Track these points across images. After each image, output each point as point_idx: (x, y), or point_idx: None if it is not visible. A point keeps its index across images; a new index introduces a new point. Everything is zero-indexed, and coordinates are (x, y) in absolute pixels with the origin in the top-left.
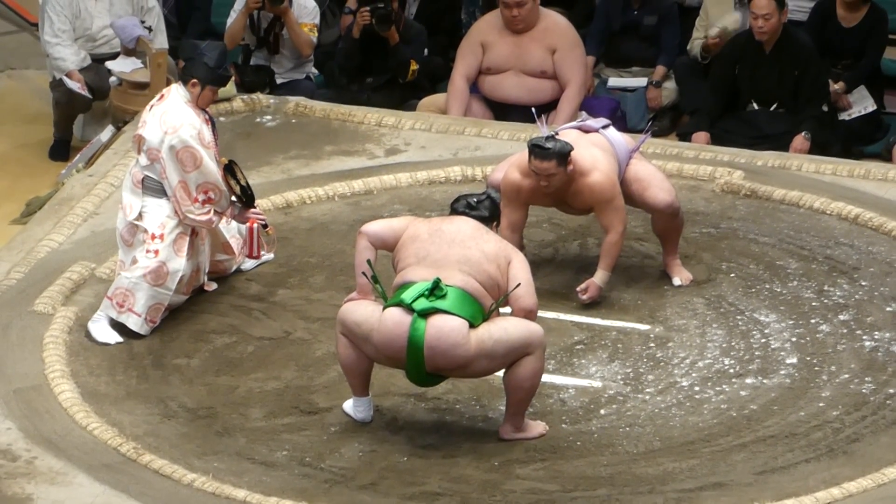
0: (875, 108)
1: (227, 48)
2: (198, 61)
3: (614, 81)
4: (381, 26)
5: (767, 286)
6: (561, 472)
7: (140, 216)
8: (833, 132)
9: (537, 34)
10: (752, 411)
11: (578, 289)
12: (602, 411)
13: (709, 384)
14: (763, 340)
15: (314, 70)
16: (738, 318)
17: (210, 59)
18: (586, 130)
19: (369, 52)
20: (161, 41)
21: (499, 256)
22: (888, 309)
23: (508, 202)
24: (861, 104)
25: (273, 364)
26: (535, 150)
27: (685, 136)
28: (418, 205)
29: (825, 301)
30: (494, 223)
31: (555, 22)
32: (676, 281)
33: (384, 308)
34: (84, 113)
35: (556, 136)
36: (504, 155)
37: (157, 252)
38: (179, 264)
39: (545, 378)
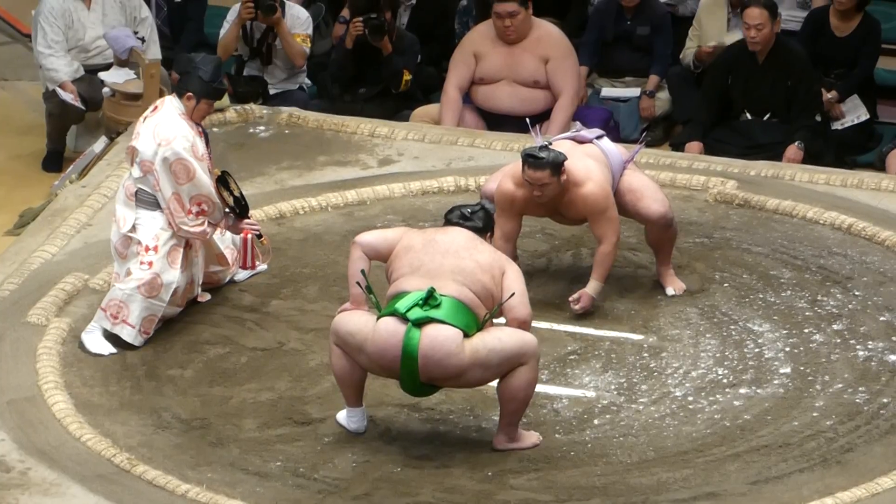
0: (868, 117)
1: (222, 62)
2: (193, 75)
3: (607, 91)
4: (375, 37)
5: (761, 296)
6: (554, 483)
7: (134, 228)
8: (826, 142)
9: (530, 44)
10: (746, 421)
11: (571, 299)
12: (596, 421)
13: (702, 394)
14: (756, 350)
15: (307, 81)
16: (732, 327)
17: (205, 73)
18: (580, 141)
19: (362, 62)
20: (154, 52)
21: (493, 267)
22: (881, 318)
23: (502, 212)
24: (854, 113)
25: (266, 375)
26: (529, 159)
27: (678, 146)
28: (412, 215)
29: (819, 311)
30: (488, 234)
31: (547, 32)
32: (670, 291)
33: (378, 318)
34: (77, 124)
35: (550, 147)
36: (497, 165)
37: (150, 264)
38: (173, 276)
39: (539, 388)
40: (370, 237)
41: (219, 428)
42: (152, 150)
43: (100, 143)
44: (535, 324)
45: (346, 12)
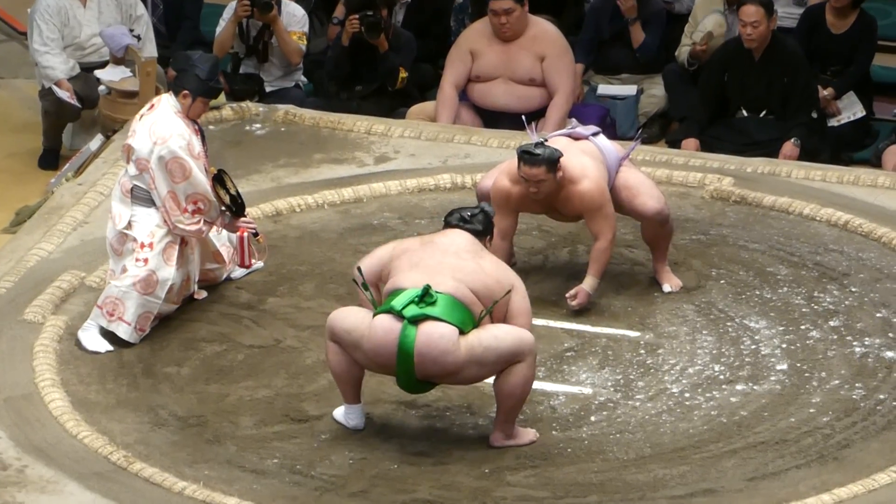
0: (864, 114)
1: (219, 60)
2: (189, 73)
3: (603, 89)
4: (371, 34)
5: (757, 293)
6: (551, 479)
7: (129, 225)
8: (822, 139)
9: (526, 42)
10: (743, 417)
11: (568, 295)
12: (592, 418)
13: (699, 391)
14: (753, 347)
15: (303, 78)
16: (729, 324)
17: (202, 71)
18: (576, 138)
19: (358, 60)
20: (150, 50)
21: (500, 277)
22: (878, 315)
23: (498, 209)
24: (850, 110)
25: (263, 372)
26: (525, 156)
27: (675, 143)
28: (408, 213)
29: (815, 307)
30: (488, 238)
31: (544, 30)
32: (666, 287)
33: (374, 315)
34: (73, 122)
35: (546, 143)
36: (494, 162)
37: (146, 261)
38: (169, 273)
39: (535, 385)
40: (366, 264)
41: (215, 425)
42: (148, 149)
43: (96, 141)
44: (532, 321)
45: (339, 12)
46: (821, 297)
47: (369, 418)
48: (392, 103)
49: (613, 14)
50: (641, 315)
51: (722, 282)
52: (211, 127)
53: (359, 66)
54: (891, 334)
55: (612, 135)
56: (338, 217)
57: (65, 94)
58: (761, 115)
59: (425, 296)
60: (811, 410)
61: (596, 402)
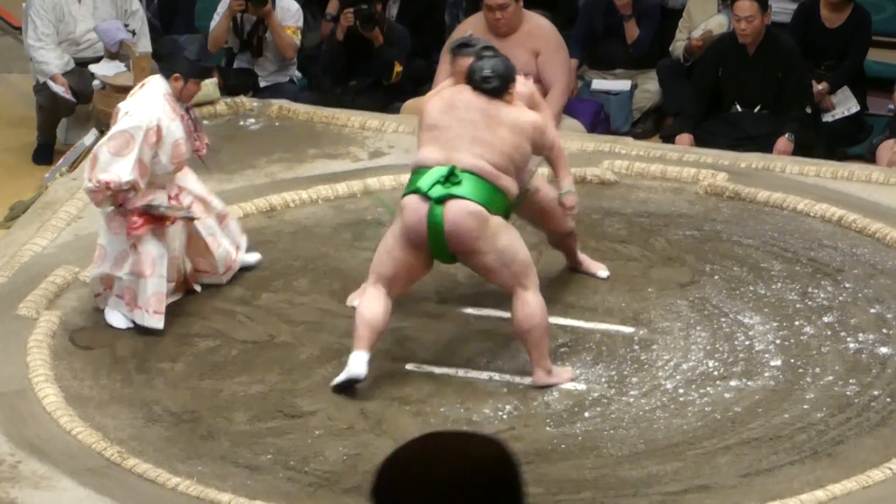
0: (858, 109)
1: (206, 40)
2: (178, 55)
3: (598, 84)
4: (366, 27)
5: (751, 288)
6: (545, 475)
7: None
8: (817, 134)
9: (521, 37)
10: (737, 413)
11: (567, 207)
12: (586, 414)
13: (693, 386)
14: (747, 343)
15: (297, 73)
16: (722, 320)
17: (191, 53)
18: None
19: (353, 54)
20: (144, 45)
21: (516, 142)
22: (872, 311)
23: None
24: (844, 105)
25: (257, 368)
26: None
27: (669, 139)
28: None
29: (809, 303)
30: (508, 91)
31: (538, 25)
32: (602, 273)
33: (403, 196)
34: (67, 117)
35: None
36: None
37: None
38: (160, 248)
39: (527, 380)
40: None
41: (209, 421)
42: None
43: (90, 136)
44: None
45: (333, 8)
46: (815, 292)
47: (362, 414)
48: (387, 98)
49: (607, 9)
50: (635, 311)
51: (716, 277)
52: (205, 122)
53: (353, 61)
54: (885, 330)
55: (607, 129)
56: (332, 212)
57: (60, 89)
58: (755, 110)
59: (450, 175)
60: (805, 406)
61: (590, 398)
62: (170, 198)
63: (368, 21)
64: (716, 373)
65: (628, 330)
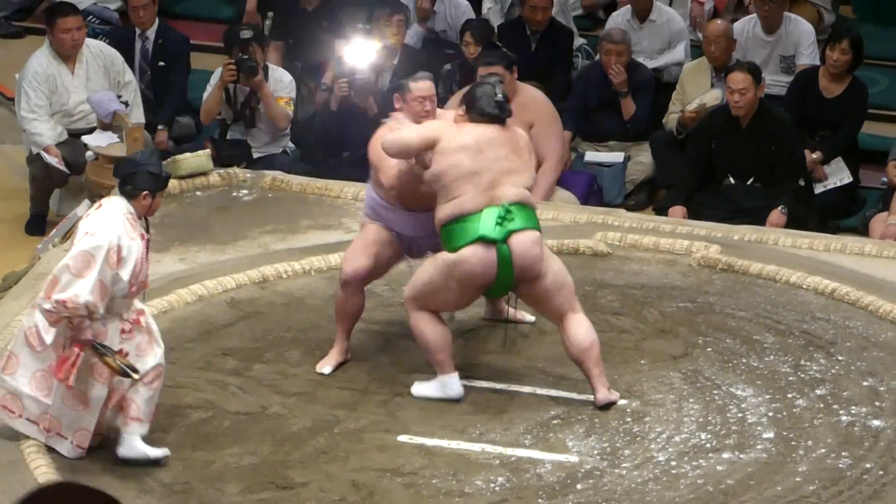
0: (851, 180)
1: (157, 148)
2: (141, 172)
3: (591, 156)
4: (359, 95)
5: (744, 360)
6: None
7: None
8: (810, 206)
9: (515, 108)
10: (729, 486)
11: None
12: (578, 486)
13: (685, 459)
14: (740, 415)
15: (291, 144)
16: (715, 392)
17: (154, 167)
18: None
19: (347, 125)
20: (137, 115)
21: (529, 148)
22: (864, 384)
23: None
24: (837, 175)
25: (249, 439)
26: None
27: (662, 211)
28: (395, 279)
29: (802, 375)
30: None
31: (532, 97)
32: (530, 317)
33: (456, 249)
34: (60, 187)
35: None
36: None
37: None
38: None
39: (521, 452)
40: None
41: (201, 492)
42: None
43: (83, 207)
44: (517, 388)
45: (328, 78)
46: (807, 365)
47: (353, 485)
48: None
49: (601, 82)
50: (628, 382)
51: (709, 349)
52: (198, 193)
53: (346, 132)
54: (877, 403)
55: (600, 201)
56: (324, 284)
57: (53, 160)
58: (749, 182)
59: (506, 214)
60: (797, 479)
61: (582, 470)
62: (126, 327)
63: (362, 91)
64: (708, 445)
65: (621, 402)
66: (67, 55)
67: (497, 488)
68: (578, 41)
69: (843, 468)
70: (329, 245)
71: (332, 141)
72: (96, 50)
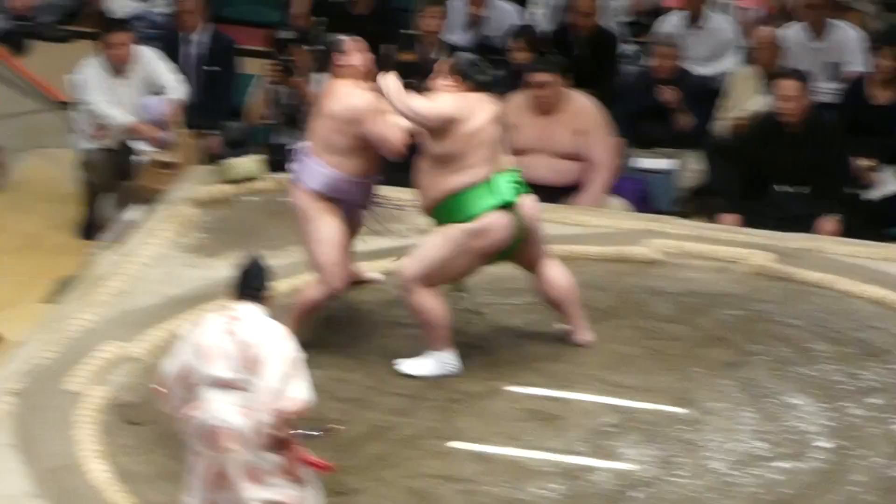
0: None
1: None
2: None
3: (640, 163)
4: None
5: (798, 369)
6: None
7: None
8: (861, 214)
9: (564, 116)
10: (785, 496)
11: None
12: (633, 494)
13: (741, 468)
14: (795, 424)
15: None
16: (769, 400)
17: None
18: None
19: None
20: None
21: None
22: None
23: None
24: (889, 183)
25: (306, 444)
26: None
27: (713, 218)
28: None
29: (856, 384)
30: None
31: (581, 104)
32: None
33: (481, 214)
34: (113, 192)
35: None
36: None
37: None
38: None
39: (576, 460)
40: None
41: None
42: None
43: (135, 212)
44: (574, 395)
45: None
46: (862, 373)
47: (411, 492)
48: None
49: (649, 88)
50: (682, 390)
51: (763, 357)
52: (252, 198)
53: None
54: None
55: (650, 209)
56: (375, 290)
57: (146, 142)
58: (800, 189)
59: (518, 182)
60: (854, 489)
61: (637, 478)
62: None
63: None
64: (763, 454)
65: (676, 410)
66: (117, 68)
67: (552, 495)
68: (625, 47)
69: None
70: (381, 250)
71: None
72: (144, 57)
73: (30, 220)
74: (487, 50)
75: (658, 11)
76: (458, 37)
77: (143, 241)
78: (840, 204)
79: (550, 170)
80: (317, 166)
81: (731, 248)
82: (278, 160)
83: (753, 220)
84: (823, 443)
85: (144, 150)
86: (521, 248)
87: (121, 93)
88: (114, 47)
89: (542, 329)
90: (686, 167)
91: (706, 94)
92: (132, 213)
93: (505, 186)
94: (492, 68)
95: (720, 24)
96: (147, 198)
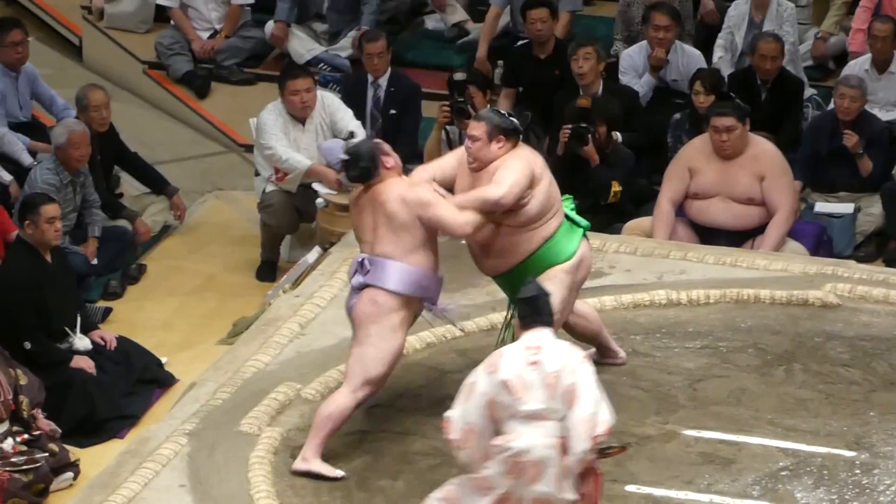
0: None
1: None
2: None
3: (821, 207)
4: (575, 144)
5: None
6: None
7: None
8: None
9: (746, 161)
10: None
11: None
12: None
13: None
14: None
15: None
16: None
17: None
18: None
19: (571, 172)
20: None
21: None
22: None
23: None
24: None
25: None
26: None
27: (892, 262)
28: (623, 328)
29: None
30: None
31: (763, 149)
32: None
33: (569, 254)
34: (291, 234)
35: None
36: (710, 279)
37: None
38: None
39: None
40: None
41: None
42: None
43: (313, 254)
44: (746, 438)
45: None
46: None
47: None
48: (608, 218)
49: (832, 132)
50: (857, 434)
51: None
52: None
53: (572, 179)
54: None
55: (829, 252)
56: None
57: (327, 189)
58: None
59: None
60: None
61: None
62: None
63: (579, 138)
64: None
65: (850, 454)
66: (298, 113)
67: None
68: (808, 91)
69: None
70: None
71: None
72: (325, 101)
73: (208, 262)
74: (669, 93)
75: (843, 56)
76: (638, 80)
77: (319, 282)
78: None
79: (730, 214)
80: (399, 264)
81: None
82: None
83: None
84: None
85: (323, 193)
86: None
87: (301, 136)
88: (294, 94)
89: (715, 373)
90: (865, 211)
91: (888, 139)
92: (310, 255)
93: (573, 215)
94: (514, 112)
95: None
96: (325, 240)
